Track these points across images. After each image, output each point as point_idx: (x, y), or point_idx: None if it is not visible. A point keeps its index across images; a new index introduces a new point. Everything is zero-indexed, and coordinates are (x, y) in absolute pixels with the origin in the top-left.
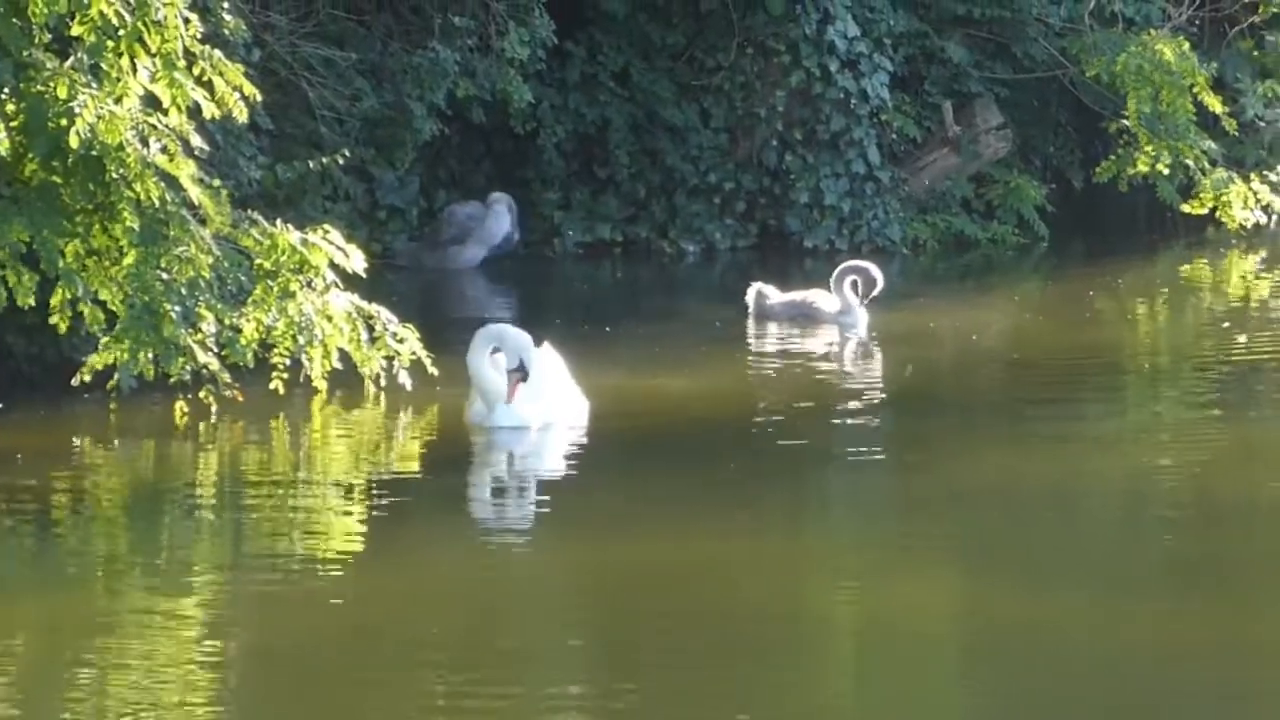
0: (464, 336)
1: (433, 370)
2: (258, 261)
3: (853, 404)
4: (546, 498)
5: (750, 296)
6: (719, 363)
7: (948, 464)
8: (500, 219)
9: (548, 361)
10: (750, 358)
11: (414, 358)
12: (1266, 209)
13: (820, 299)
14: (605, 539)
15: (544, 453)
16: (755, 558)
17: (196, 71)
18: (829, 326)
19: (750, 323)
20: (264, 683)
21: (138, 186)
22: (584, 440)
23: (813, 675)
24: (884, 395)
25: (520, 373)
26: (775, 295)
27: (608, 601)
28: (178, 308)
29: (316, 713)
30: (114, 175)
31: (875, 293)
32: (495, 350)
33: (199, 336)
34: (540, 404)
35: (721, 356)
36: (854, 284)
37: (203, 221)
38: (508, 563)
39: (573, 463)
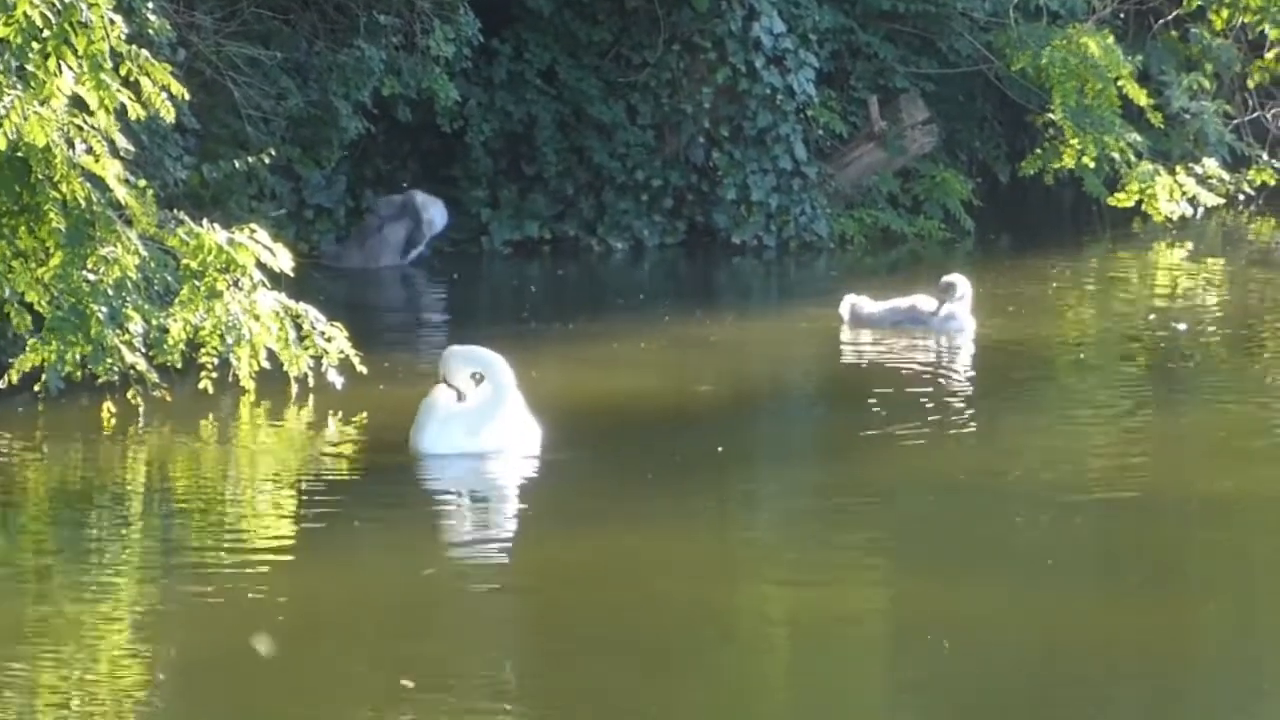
0: (395, 335)
1: (361, 369)
2: (184, 261)
3: (787, 398)
4: (483, 496)
5: (844, 309)
6: (672, 357)
7: (879, 457)
8: (437, 210)
9: (500, 389)
10: (703, 352)
11: (342, 356)
12: (1192, 201)
13: (925, 304)
14: (543, 537)
15: (480, 453)
16: (684, 556)
17: (124, 72)
18: (934, 332)
19: (844, 329)
20: (193, 687)
21: (64, 187)
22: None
23: (739, 673)
24: (813, 389)
25: (455, 389)
26: (870, 305)
27: (541, 600)
28: (105, 308)
29: (247, 716)
30: (40, 176)
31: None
32: (479, 377)
33: (126, 337)
34: (487, 432)
35: (676, 350)
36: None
37: (129, 222)
38: (441, 564)
39: (510, 462)
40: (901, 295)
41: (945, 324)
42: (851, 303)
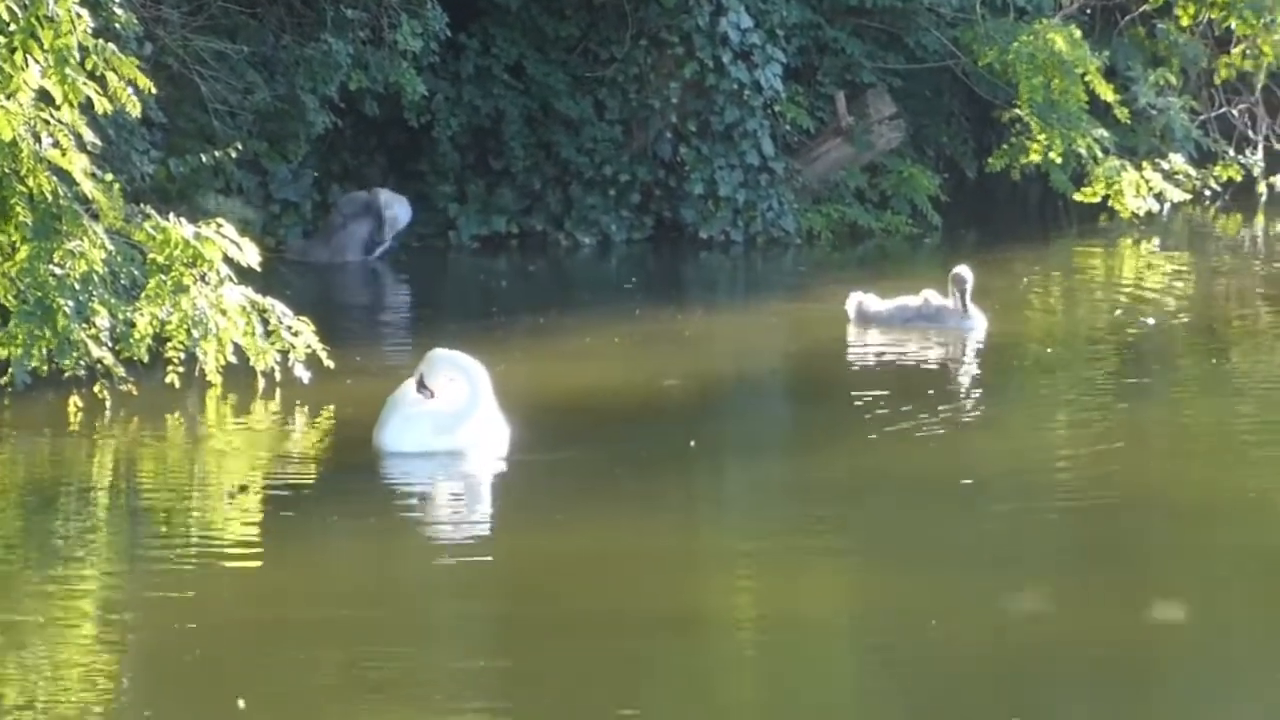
0: (363, 330)
1: (329, 363)
2: (151, 255)
3: (752, 393)
4: (449, 493)
5: (850, 306)
6: (642, 352)
7: (846, 455)
8: (401, 207)
9: (476, 397)
10: (674, 347)
11: (309, 351)
12: (1159, 197)
13: (935, 300)
14: (509, 535)
15: (445, 451)
16: (653, 553)
17: (90, 66)
18: (948, 330)
19: (850, 328)
20: (159, 683)
21: (30, 181)
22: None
23: (706, 671)
24: (779, 385)
25: (427, 390)
26: (877, 303)
27: (505, 598)
28: (71, 302)
29: (213, 712)
30: (6, 170)
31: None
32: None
33: (93, 331)
34: (454, 433)
35: (647, 345)
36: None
37: (96, 216)
38: (407, 559)
39: (477, 460)
40: (909, 293)
41: (960, 322)
42: (858, 301)
